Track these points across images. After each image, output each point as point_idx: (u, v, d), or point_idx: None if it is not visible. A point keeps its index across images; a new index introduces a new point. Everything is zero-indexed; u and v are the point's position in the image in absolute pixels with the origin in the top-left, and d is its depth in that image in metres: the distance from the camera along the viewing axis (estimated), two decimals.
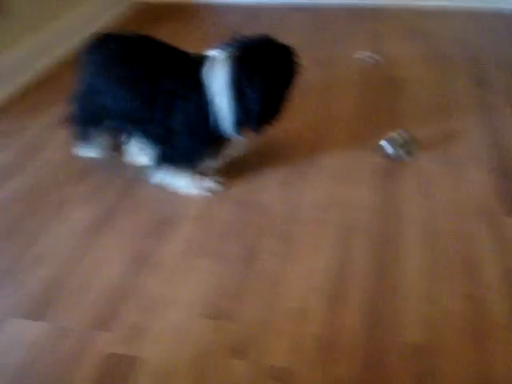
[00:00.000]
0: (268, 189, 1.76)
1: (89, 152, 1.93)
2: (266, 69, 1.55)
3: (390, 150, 1.85)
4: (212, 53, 1.61)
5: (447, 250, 1.49)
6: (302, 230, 1.59)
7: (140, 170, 1.83)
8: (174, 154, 1.70)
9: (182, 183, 1.75)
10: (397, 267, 1.44)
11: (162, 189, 1.77)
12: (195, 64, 1.61)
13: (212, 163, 1.77)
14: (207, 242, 1.56)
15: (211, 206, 1.70)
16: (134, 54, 1.68)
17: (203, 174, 1.77)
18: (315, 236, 1.56)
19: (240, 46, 1.58)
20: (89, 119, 1.82)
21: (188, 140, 1.65)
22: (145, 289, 1.42)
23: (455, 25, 3.02)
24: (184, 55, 1.68)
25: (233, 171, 1.83)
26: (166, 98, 1.61)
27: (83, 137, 1.88)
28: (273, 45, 1.61)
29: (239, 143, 1.79)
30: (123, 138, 1.88)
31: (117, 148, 1.92)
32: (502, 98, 2.21)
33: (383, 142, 1.87)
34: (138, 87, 1.64)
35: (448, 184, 1.74)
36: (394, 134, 1.88)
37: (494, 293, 1.36)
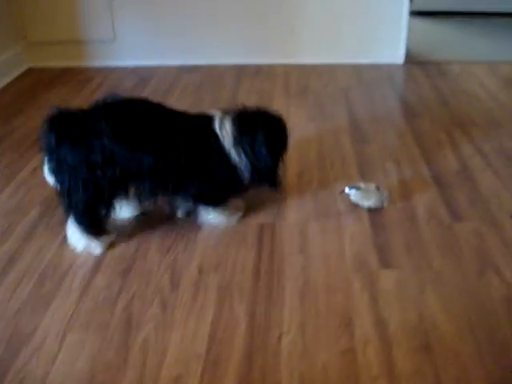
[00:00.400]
0: (150, 254, 1.77)
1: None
2: (257, 133, 1.76)
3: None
4: (215, 112, 1.80)
5: (325, 305, 1.53)
6: (185, 295, 1.60)
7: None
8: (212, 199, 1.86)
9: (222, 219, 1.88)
10: (276, 326, 1.47)
11: (43, 259, 1.74)
12: (206, 121, 1.77)
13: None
14: (87, 314, 1.54)
15: (92, 276, 1.68)
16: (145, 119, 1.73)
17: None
18: (198, 300, 1.57)
19: (237, 110, 1.80)
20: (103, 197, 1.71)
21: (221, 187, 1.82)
22: (24, 370, 1.38)
23: (339, 80, 3.16)
24: (191, 116, 1.81)
25: (118, 235, 1.83)
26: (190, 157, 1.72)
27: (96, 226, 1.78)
28: (263, 113, 1.84)
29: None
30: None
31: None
32: (380, 152, 2.33)
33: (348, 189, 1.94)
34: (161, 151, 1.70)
35: (325, 238, 1.80)
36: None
37: (367, 345, 1.40)
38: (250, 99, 2.92)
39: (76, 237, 1.77)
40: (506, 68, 3.37)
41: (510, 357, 1.37)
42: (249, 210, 1.95)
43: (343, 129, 2.56)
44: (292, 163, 2.24)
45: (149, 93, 3.05)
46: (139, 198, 1.81)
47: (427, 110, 2.75)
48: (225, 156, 1.75)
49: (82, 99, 3.01)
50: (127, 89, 3.12)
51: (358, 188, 1.91)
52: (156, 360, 1.38)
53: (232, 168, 1.76)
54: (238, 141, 1.74)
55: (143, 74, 3.36)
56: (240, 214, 1.93)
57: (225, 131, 1.74)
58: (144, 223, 1.91)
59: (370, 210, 1.92)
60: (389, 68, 3.36)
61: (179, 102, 2.90)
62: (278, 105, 2.84)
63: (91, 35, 3.46)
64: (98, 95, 3.03)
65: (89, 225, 1.75)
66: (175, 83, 3.20)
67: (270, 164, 1.80)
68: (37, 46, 3.51)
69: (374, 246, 1.76)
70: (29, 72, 3.49)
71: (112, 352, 1.41)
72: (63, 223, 1.81)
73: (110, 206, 1.73)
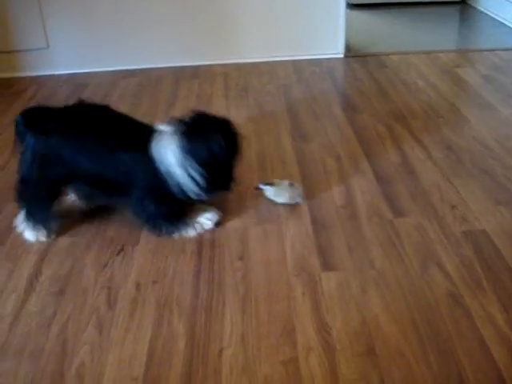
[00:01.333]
0: (86, 271, 1.70)
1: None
2: (209, 142, 1.70)
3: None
4: (160, 126, 1.76)
5: (267, 314, 1.49)
6: (122, 313, 1.53)
7: None
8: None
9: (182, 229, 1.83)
10: (217, 340, 1.42)
11: None
12: (147, 136, 1.72)
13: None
14: (20, 341, 1.46)
15: (25, 299, 1.60)
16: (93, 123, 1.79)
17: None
18: (136, 318, 1.51)
19: (184, 122, 1.73)
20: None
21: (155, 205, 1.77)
22: None
23: (279, 78, 3.13)
24: (138, 126, 1.80)
25: (48, 255, 1.76)
26: (124, 169, 1.72)
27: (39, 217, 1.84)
28: (212, 119, 1.77)
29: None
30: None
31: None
32: (321, 149, 2.30)
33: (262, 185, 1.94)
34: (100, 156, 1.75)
35: (266, 243, 1.76)
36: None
37: (310, 353, 1.37)
38: (189, 101, 2.87)
39: (25, 226, 1.84)
40: (444, 57, 3.38)
41: (454, 354, 1.35)
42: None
43: (284, 128, 2.52)
44: None
45: (86, 99, 2.95)
46: (81, 199, 1.93)
47: (367, 104, 2.73)
48: (164, 175, 1.71)
49: (14, 112, 2.89)
50: (62, 98, 3.02)
51: (271, 184, 1.91)
52: None
53: (173, 187, 1.72)
54: (184, 157, 1.68)
55: (79, 82, 3.26)
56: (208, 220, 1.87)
57: (168, 149, 1.70)
58: (80, 239, 1.84)
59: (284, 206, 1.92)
60: (329, 63, 3.34)
61: (117, 107, 2.82)
62: (217, 106, 2.79)
63: (23, 44, 3.34)
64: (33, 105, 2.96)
65: (37, 215, 1.82)
66: (112, 89, 3.12)
67: (225, 173, 1.78)
68: None
69: (315, 248, 1.73)
70: None
71: (47, 381, 1.34)
72: None
73: (54, 200, 1.84)
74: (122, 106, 2.84)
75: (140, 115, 2.67)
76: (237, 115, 2.67)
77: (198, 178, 1.69)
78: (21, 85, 3.29)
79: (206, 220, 1.85)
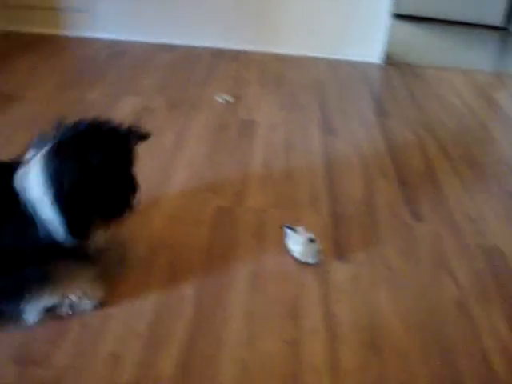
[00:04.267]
0: None
1: None
2: (81, 160, 1.28)
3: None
4: (28, 155, 1.33)
5: (274, 295, 1.50)
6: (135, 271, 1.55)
7: None
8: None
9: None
10: (222, 311, 1.43)
11: None
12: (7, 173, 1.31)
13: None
14: None
15: None
16: None
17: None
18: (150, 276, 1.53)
19: (56, 139, 1.30)
20: None
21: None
22: None
23: (315, 73, 3.14)
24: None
25: None
26: None
27: None
28: (96, 130, 1.34)
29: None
30: None
31: None
32: (347, 146, 2.31)
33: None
34: None
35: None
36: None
37: (313, 337, 1.38)
38: (224, 83, 2.88)
39: None
40: (480, 77, 3.38)
41: (455, 359, 1.35)
42: (206, 192, 1.91)
43: (314, 121, 2.53)
44: (259, 151, 2.21)
45: (121, 67, 2.99)
46: None
47: (399, 111, 2.74)
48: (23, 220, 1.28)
49: (52, 67, 2.94)
50: (99, 61, 3.05)
51: (294, 230, 1.67)
52: (95, 335, 1.34)
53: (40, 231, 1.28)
54: (48, 182, 1.26)
55: (118, 48, 3.29)
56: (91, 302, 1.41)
57: (28, 182, 1.28)
58: None
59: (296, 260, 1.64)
60: (365, 66, 3.34)
61: (151, 80, 2.85)
62: (251, 92, 2.80)
63: (68, 3, 3.37)
64: (69, 65, 3.00)
65: None
66: (148, 60, 3.14)
67: (110, 199, 1.37)
68: (15, 9, 3.40)
69: (331, 237, 1.74)
70: (7, 35, 3.38)
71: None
72: None
73: None
74: (157, 78, 2.87)
75: (172, 90, 2.72)
76: (268, 102, 2.69)
77: (65, 209, 1.27)
78: (61, 43, 3.33)
79: (84, 299, 1.39)
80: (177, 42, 3.42)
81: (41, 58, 3.06)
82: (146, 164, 2.04)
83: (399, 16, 4.50)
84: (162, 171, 2.03)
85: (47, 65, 2.96)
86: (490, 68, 3.68)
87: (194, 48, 3.39)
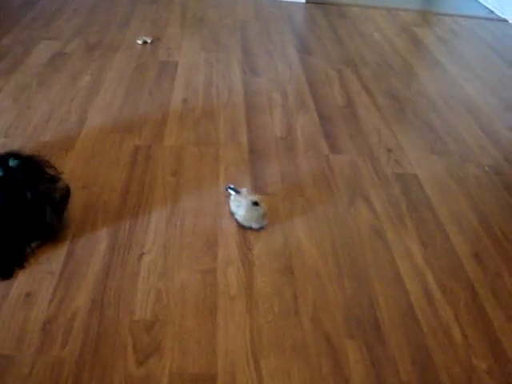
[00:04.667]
0: None
1: None
2: None
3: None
4: None
5: (192, 227, 1.50)
6: None
7: None
8: None
9: None
10: (137, 247, 1.42)
11: None
12: None
13: None
14: None
15: None
16: None
17: None
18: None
19: None
20: None
21: None
22: None
23: (237, 13, 3.09)
24: None
25: None
26: None
27: None
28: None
29: None
30: None
31: None
32: (269, 83, 2.29)
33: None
34: None
35: (200, 165, 1.76)
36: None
37: (228, 266, 1.38)
38: (143, 25, 2.80)
39: None
40: (404, 15, 3.39)
41: (369, 281, 1.39)
42: (123, 133, 1.87)
43: (235, 61, 2.50)
44: (179, 91, 2.17)
45: (37, 12, 2.87)
46: None
47: (321, 49, 2.73)
48: None
49: None
50: (15, 5, 2.91)
51: (238, 192, 1.59)
52: None
53: None
54: None
55: None
56: None
57: None
58: None
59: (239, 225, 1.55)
60: (289, 6, 3.31)
61: (68, 23, 2.75)
62: (171, 33, 2.74)
63: None
64: None
65: None
66: (67, 3, 3.02)
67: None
68: None
69: (248, 172, 1.74)
70: None
71: None
72: None
73: None
74: (75, 22, 2.77)
75: (91, 32, 2.63)
76: (190, 43, 2.64)
77: None
78: None
79: None
80: None
81: None
82: (63, 105, 1.99)
83: None
84: (78, 113, 1.98)
85: None
86: (416, 7, 3.69)
87: None
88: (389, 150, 1.92)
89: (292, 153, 1.86)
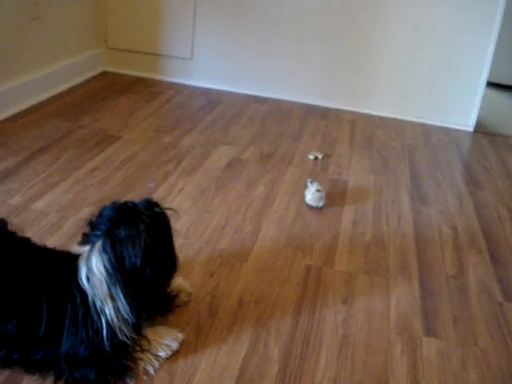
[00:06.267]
0: (193, 275, 1.74)
1: None
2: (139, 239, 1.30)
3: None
4: (81, 250, 1.35)
5: (362, 363, 1.48)
6: (221, 324, 1.56)
7: None
8: None
9: None
10: (309, 375, 1.42)
11: None
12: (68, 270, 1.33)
13: None
14: None
15: None
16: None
17: None
18: (233, 331, 1.53)
19: (106, 231, 1.31)
20: None
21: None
22: None
23: (405, 136, 3.13)
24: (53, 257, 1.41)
25: None
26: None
27: None
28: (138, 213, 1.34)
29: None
30: None
31: None
32: (438, 215, 2.28)
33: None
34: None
35: (371, 294, 1.75)
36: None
37: None
38: (314, 140, 2.91)
39: None
40: None
41: None
42: (296, 250, 1.92)
43: (403, 186, 2.52)
44: (348, 213, 2.21)
45: (216, 116, 3.08)
46: None
47: (491, 183, 2.69)
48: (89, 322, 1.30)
49: (149, 110, 3.05)
50: (194, 108, 3.15)
51: (311, 182, 2.27)
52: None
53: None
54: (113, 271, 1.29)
55: (213, 97, 3.39)
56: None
57: (94, 281, 1.29)
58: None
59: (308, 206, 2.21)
60: (457, 133, 3.31)
61: (244, 131, 2.92)
62: (341, 151, 2.82)
63: (169, 51, 3.53)
64: (166, 109, 3.11)
65: None
66: (243, 111, 3.22)
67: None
68: (115, 51, 3.60)
69: (420, 311, 1.71)
70: (104, 75, 3.57)
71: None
72: None
73: None
74: (250, 130, 2.93)
75: (265, 142, 2.78)
76: (358, 164, 2.69)
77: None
78: (160, 87, 3.46)
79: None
80: (269, 95, 3.50)
81: (139, 100, 3.19)
82: (238, 213, 2.09)
83: (492, 84, 4.45)
84: (253, 223, 2.06)
85: (144, 108, 3.07)
86: None
87: (285, 102, 3.46)
88: None
89: (464, 294, 1.81)
